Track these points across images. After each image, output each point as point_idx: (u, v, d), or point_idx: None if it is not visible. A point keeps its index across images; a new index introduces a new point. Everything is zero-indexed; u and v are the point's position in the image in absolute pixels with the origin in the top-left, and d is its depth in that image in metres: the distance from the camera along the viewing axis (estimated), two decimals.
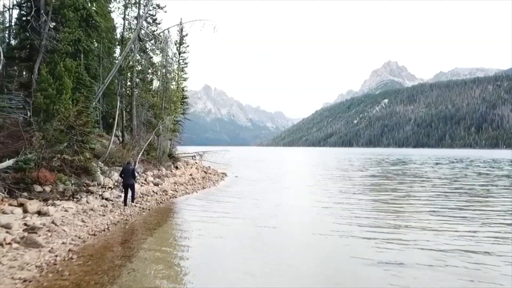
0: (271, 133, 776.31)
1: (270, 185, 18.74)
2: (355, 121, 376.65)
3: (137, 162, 15.40)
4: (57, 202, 9.25)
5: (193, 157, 31.54)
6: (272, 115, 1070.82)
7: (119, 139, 20.13)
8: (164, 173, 16.88)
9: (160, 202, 12.29)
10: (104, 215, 9.28)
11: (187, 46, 21.45)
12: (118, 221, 9.05)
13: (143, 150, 15.87)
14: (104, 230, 8.04)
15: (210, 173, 22.50)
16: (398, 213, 11.09)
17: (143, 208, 10.90)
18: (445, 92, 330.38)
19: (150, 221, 9.47)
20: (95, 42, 15.01)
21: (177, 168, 19.90)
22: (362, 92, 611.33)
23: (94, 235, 7.60)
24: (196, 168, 23.38)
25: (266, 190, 16.47)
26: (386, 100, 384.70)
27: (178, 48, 21.22)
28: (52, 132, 10.10)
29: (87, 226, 8.08)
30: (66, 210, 8.82)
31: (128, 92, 16.64)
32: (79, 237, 7.19)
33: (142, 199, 12.08)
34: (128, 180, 11.14)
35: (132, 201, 11.37)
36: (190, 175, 19.05)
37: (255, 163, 44.93)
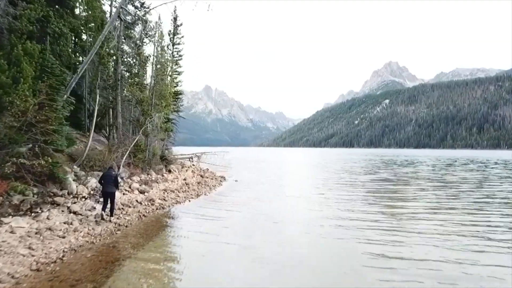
0: (271, 134, 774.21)
1: (273, 192, 16.50)
2: (356, 122, 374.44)
3: (121, 166, 13.35)
4: (6, 219, 7.20)
5: (190, 159, 29.67)
6: (272, 116, 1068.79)
7: (108, 140, 18.11)
8: (153, 178, 14.80)
9: (143, 215, 10.19)
10: (64, 237, 7.20)
11: (182, 36, 19.43)
12: (81, 245, 6.97)
13: (128, 151, 13.78)
14: (55, 262, 5.96)
15: (207, 177, 20.42)
16: (433, 234, 8.92)
17: (119, 225, 8.80)
18: (446, 92, 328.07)
19: (123, 246, 7.30)
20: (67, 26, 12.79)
21: (170, 171, 17.83)
22: (363, 92, 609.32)
23: (38, 270, 5.52)
24: (192, 171, 21.32)
25: (269, 200, 14.07)
26: (387, 101, 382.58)
27: (172, 38, 19.17)
28: (3, 130, 8.04)
29: (33, 255, 6.00)
30: (12, 232, 6.76)
31: (111, 85, 14.50)
32: (12, 276, 5.12)
33: (122, 212, 10.01)
34: (108, 188, 9.20)
35: (111, 214, 9.35)
36: (184, 180, 16.95)
37: (256, 164, 42.38)
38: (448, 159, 58.82)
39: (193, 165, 27.07)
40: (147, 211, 10.57)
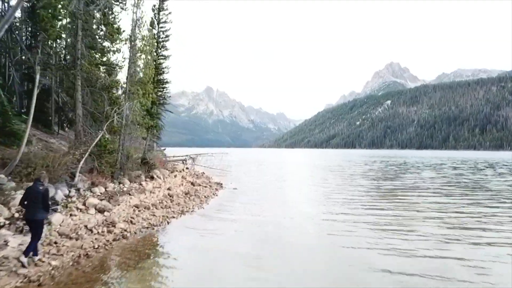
0: (273, 135, 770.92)
1: (280, 207, 12.62)
2: (358, 123, 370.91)
3: (77, 174, 9.74)
4: None
5: (184, 162, 26.24)
6: (274, 117, 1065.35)
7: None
8: (125, 189, 11.17)
9: (86, 254, 6.47)
10: None
11: (169, 13, 15.76)
12: None
13: (88, 153, 10.14)
14: None
15: (200, 184, 16.73)
16: None
17: (29, 280, 5.18)
18: (448, 93, 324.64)
19: None
20: None
21: (152, 178, 14.18)
22: (365, 93, 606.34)
23: None
24: (182, 177, 17.71)
25: (276, 224, 9.81)
26: (388, 102, 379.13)
27: (157, 15, 15.55)
28: None
29: None
30: None
31: (67, 65, 10.86)
32: None
33: (50, 250, 6.31)
34: (33, 213, 5.78)
35: (35, 253, 5.82)
36: (168, 189, 13.34)
37: (258, 167, 38.03)
38: (464, 160, 54.56)
39: (187, 168, 23.54)
40: (96, 246, 6.85)
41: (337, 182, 21.56)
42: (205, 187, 16.50)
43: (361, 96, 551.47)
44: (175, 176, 17.28)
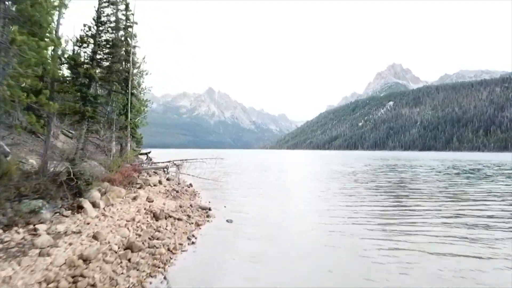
0: (274, 136, 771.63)
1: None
2: (360, 124, 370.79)
3: None
4: None
5: (165, 170, 20.30)
6: (275, 118, 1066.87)
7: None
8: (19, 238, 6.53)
9: None
10: None
11: None
12: None
13: None
14: None
15: (172, 216, 9.72)
16: None
17: None
18: (451, 94, 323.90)
19: None
20: None
21: (79, 209, 8.50)
22: (367, 94, 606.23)
23: None
24: (148, 200, 11.60)
25: None
26: (391, 103, 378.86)
27: None
28: None
29: None
30: None
31: None
32: None
33: None
34: None
35: None
36: (94, 237, 6.86)
37: (261, 175, 26.95)
38: (486, 163, 49.46)
39: (168, 180, 17.84)
40: None
41: (396, 211, 12.23)
42: (179, 219, 9.47)
43: (362, 97, 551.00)
44: (134, 199, 11.15)
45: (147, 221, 9.11)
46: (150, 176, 17.49)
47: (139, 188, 13.28)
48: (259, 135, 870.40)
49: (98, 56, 13.07)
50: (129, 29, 15.63)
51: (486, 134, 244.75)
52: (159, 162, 21.75)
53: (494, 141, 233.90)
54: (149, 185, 14.38)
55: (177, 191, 14.67)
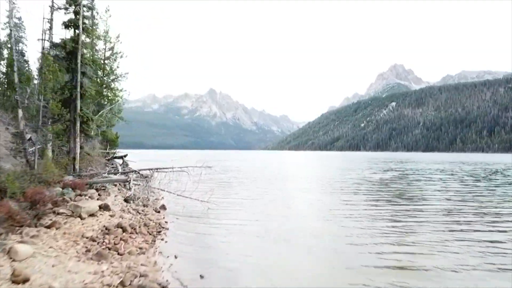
0: (276, 137, 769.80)
1: None
2: (362, 125, 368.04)
3: None
4: None
5: (126, 185, 13.01)
6: (277, 119, 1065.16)
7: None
8: None
9: None
10: None
11: None
12: None
13: None
14: None
15: None
16: None
17: None
18: (454, 95, 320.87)
19: None
20: None
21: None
22: (369, 95, 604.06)
23: None
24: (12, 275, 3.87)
25: None
26: (393, 103, 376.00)
27: None
28: None
29: None
30: None
31: None
32: None
33: None
34: None
35: None
36: None
37: (266, 189, 18.35)
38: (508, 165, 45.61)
39: (126, 202, 10.68)
40: None
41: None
42: None
43: (365, 98, 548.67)
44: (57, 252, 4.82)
45: None
46: (100, 194, 10.66)
47: (48, 226, 6.22)
48: (260, 136, 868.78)
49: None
50: None
51: (490, 135, 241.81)
52: (129, 171, 15.18)
53: (498, 142, 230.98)
54: (79, 216, 7.48)
55: (120, 233, 6.86)
